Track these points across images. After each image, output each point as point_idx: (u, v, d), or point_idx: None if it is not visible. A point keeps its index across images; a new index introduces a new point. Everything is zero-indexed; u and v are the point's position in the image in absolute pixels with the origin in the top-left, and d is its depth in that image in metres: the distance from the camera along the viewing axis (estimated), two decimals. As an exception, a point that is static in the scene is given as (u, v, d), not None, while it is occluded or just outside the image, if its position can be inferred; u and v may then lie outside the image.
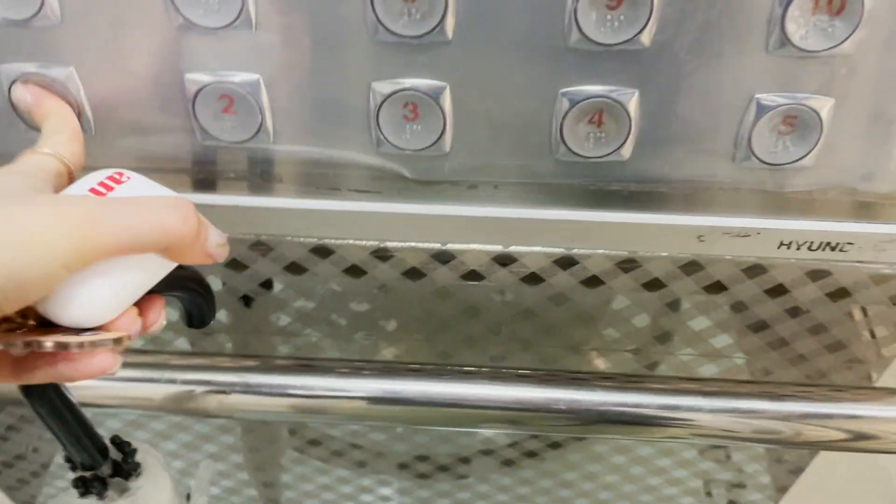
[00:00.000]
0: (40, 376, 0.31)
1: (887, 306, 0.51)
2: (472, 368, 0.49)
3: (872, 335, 0.54)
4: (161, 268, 0.32)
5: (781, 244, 0.44)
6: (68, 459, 0.44)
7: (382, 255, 0.49)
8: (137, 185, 0.33)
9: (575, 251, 0.48)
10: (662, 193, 0.41)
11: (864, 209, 0.42)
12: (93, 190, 0.32)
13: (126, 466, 0.46)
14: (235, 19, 0.35)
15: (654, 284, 0.50)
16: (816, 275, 0.49)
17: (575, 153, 0.39)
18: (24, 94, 0.38)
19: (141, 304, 0.32)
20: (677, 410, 0.46)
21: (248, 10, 0.35)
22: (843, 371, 0.57)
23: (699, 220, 0.42)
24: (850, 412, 0.44)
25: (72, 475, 0.45)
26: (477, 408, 0.47)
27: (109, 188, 0.32)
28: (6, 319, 0.29)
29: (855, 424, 0.43)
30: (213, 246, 0.32)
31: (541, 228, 0.43)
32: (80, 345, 0.29)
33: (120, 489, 0.46)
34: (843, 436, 0.43)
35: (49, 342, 0.29)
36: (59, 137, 0.36)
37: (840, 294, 0.50)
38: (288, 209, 0.43)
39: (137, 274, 0.31)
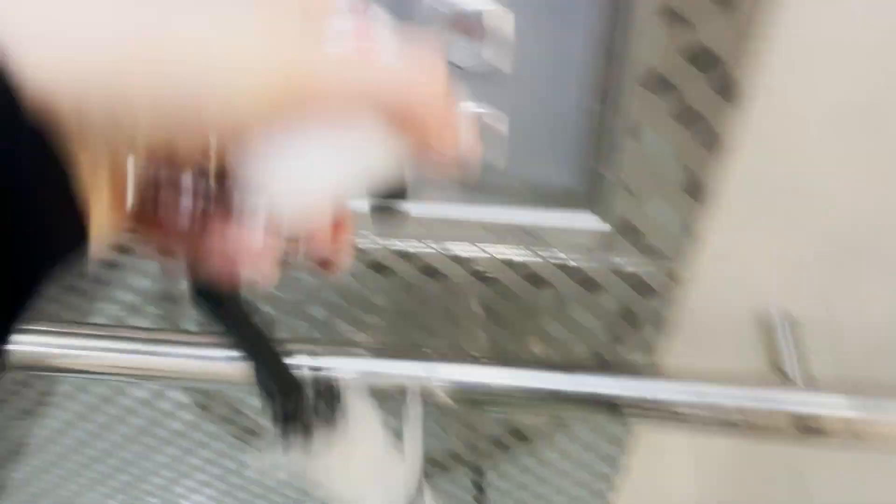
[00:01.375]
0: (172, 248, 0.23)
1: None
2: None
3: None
4: (382, 156, 0.22)
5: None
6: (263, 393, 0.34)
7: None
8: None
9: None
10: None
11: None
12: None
13: (327, 399, 0.36)
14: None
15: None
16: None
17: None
18: None
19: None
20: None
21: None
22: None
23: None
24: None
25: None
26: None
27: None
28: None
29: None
30: (465, 134, 0.22)
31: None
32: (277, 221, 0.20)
33: (325, 434, 0.35)
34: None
35: (227, 200, 0.21)
36: None
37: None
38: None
39: (353, 155, 0.21)
